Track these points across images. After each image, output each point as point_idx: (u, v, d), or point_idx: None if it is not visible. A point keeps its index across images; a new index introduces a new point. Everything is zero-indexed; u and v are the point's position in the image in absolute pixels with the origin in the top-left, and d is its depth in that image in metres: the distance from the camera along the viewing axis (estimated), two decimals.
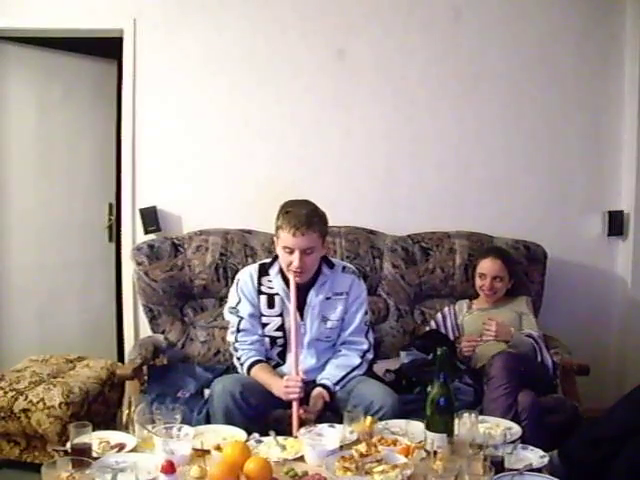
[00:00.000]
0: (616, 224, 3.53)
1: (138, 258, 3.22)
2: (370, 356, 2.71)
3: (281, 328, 2.64)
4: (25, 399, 2.82)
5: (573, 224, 3.58)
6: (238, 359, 2.64)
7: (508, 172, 3.56)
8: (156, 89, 3.51)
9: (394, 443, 2.07)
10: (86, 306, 4.07)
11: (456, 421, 2.06)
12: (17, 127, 3.81)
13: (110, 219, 4.12)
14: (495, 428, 2.20)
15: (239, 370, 2.64)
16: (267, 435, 2.16)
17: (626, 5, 3.49)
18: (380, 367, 2.92)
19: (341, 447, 2.06)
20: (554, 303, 3.40)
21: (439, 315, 3.21)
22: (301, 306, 2.62)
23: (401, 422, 2.26)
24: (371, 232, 3.36)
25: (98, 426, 2.27)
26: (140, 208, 3.50)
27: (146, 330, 3.33)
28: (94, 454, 1.97)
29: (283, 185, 3.40)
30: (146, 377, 2.92)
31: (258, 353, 2.63)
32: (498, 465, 1.88)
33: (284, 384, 2.43)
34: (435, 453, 1.94)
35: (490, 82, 3.53)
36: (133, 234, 3.54)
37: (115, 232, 4.04)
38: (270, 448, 2.09)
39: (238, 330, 2.65)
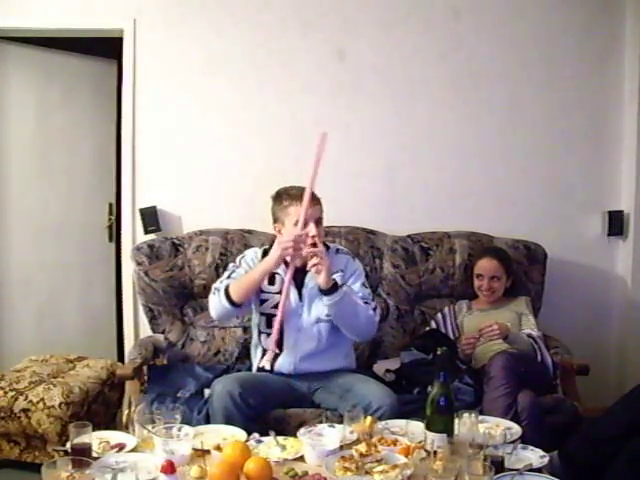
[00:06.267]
0: (616, 224, 3.53)
1: (138, 258, 3.22)
2: (377, 316, 2.63)
3: (278, 306, 2.61)
4: (25, 399, 2.83)
5: (573, 224, 3.58)
6: (217, 289, 2.61)
7: (508, 172, 3.56)
8: (156, 89, 3.51)
9: (394, 443, 2.07)
10: (86, 306, 4.07)
11: (456, 421, 2.05)
12: (17, 127, 3.81)
13: (110, 219, 4.12)
14: (495, 428, 2.19)
15: (217, 300, 2.59)
16: (267, 435, 2.16)
17: (626, 5, 3.49)
18: (380, 367, 2.92)
19: (341, 447, 2.06)
20: (554, 303, 3.39)
21: (439, 315, 3.21)
22: (299, 288, 2.66)
23: (401, 422, 2.26)
24: (371, 232, 3.36)
25: (98, 426, 2.27)
26: (140, 208, 3.49)
27: (146, 330, 3.33)
28: (94, 454, 1.97)
29: (283, 185, 3.40)
30: (146, 377, 2.93)
31: None
32: (498, 465, 1.88)
33: (278, 240, 2.52)
34: (435, 453, 1.93)
35: (490, 82, 3.53)
36: (133, 234, 3.54)
37: (115, 232, 4.04)
38: (270, 448, 2.09)
39: (228, 277, 2.66)
